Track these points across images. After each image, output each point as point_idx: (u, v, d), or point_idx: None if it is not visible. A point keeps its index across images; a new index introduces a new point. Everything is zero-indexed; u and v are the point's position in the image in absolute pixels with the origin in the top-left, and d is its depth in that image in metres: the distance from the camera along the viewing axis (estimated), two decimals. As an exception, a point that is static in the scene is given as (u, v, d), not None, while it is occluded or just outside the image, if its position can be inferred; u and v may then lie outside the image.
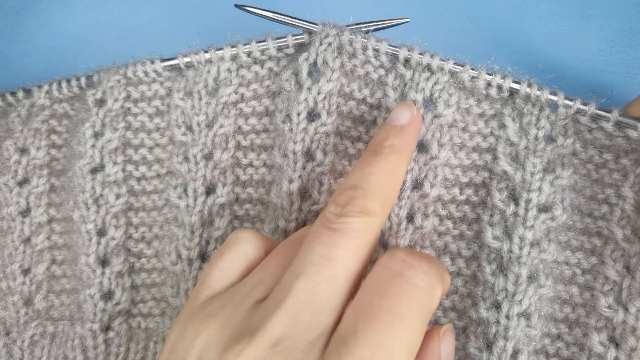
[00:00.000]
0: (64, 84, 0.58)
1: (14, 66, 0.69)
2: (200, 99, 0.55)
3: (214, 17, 0.67)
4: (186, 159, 0.55)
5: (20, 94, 0.59)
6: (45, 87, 0.58)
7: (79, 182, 0.56)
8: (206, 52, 0.54)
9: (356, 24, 0.52)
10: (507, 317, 0.51)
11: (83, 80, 0.57)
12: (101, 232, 0.57)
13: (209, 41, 0.55)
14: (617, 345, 0.49)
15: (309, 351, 0.35)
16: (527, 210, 0.51)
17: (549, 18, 0.65)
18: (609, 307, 0.49)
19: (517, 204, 0.51)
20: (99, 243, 0.56)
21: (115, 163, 0.56)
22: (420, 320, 0.36)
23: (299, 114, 0.52)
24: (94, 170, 0.56)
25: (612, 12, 0.63)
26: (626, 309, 0.49)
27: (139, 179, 0.58)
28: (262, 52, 0.54)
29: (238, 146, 0.56)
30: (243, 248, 0.44)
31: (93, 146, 0.56)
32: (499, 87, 0.51)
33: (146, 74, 0.56)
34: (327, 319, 0.36)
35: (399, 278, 0.37)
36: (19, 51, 0.70)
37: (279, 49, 0.54)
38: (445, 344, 0.42)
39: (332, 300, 0.37)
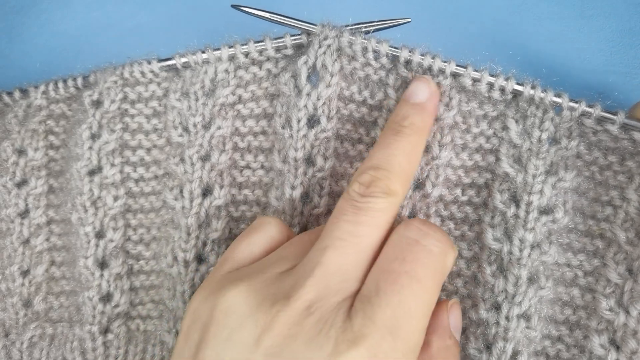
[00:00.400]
0: (60, 84, 0.57)
1: (14, 66, 0.68)
2: (196, 99, 0.54)
3: (214, 17, 0.66)
4: (182, 160, 0.54)
5: (17, 94, 0.58)
6: (42, 88, 0.57)
7: (76, 184, 0.55)
8: (203, 52, 0.53)
9: (356, 24, 0.51)
10: (507, 318, 0.50)
11: (80, 81, 0.56)
12: (99, 235, 0.56)
13: (208, 42, 0.54)
14: (617, 348, 0.49)
15: (337, 311, 0.38)
16: (527, 212, 0.50)
17: (549, 18, 0.64)
18: (610, 309, 0.49)
19: (518, 206, 0.50)
20: (97, 245, 0.56)
21: (112, 165, 0.55)
22: (436, 282, 0.40)
23: (299, 121, 0.51)
24: (91, 172, 0.55)
25: (612, 12, 0.63)
26: (627, 312, 0.48)
27: (137, 181, 0.57)
28: (260, 52, 0.53)
29: (235, 148, 0.56)
30: (269, 230, 0.47)
31: (90, 148, 0.55)
32: (502, 90, 0.50)
33: (143, 74, 0.55)
34: (353, 284, 0.40)
35: (415, 245, 0.40)
36: (19, 51, 0.69)
37: (277, 49, 0.53)
38: (453, 315, 0.46)
39: (357, 270, 0.40)
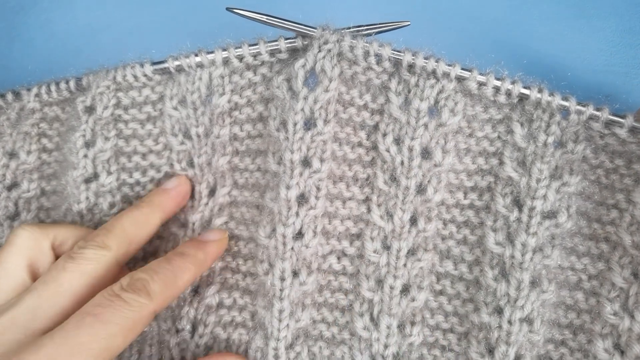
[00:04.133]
0: (53, 87, 0.52)
1: (14, 66, 0.64)
2: (195, 109, 0.49)
3: (214, 18, 0.61)
4: (191, 165, 0.51)
5: (10, 97, 0.53)
6: (35, 90, 0.52)
7: (72, 191, 0.51)
8: (197, 55, 0.48)
9: (355, 27, 0.47)
10: (510, 322, 0.47)
11: (72, 84, 0.51)
12: None
13: (208, 42, 0.49)
14: (622, 353, 0.46)
15: (18, 344, 0.40)
16: (530, 217, 0.47)
17: (549, 18, 0.60)
18: (615, 314, 0.46)
19: (520, 210, 0.47)
20: None
21: (109, 173, 0.51)
22: (124, 329, 0.41)
23: (295, 124, 0.47)
24: (87, 180, 0.51)
25: (612, 12, 0.59)
26: (632, 317, 0.45)
27: (132, 186, 0.52)
28: (255, 56, 0.48)
29: (235, 152, 0.52)
30: (20, 242, 0.47)
31: (85, 156, 0.50)
32: (508, 93, 0.46)
33: (136, 78, 0.50)
34: (43, 322, 0.41)
35: (114, 296, 0.41)
36: (19, 51, 0.65)
37: (272, 53, 0.48)
38: None
39: (51, 310, 0.42)
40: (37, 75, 0.55)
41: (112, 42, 0.62)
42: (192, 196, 0.51)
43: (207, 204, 0.51)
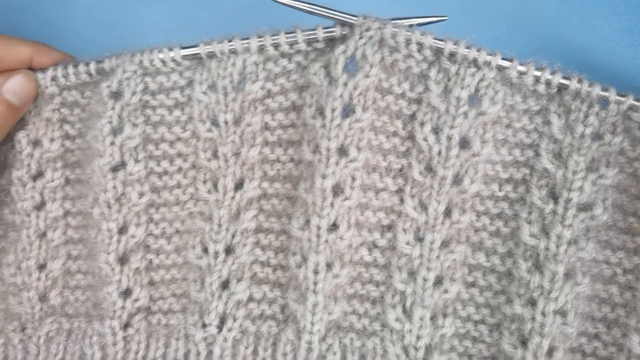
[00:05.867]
0: (71, 70, 0.49)
1: None
2: (225, 95, 0.47)
3: (214, 18, 0.60)
4: (215, 155, 0.48)
5: None
6: (50, 72, 0.49)
7: (98, 180, 0.48)
8: (230, 41, 0.46)
9: (392, 19, 0.45)
10: (543, 314, 0.46)
11: (93, 67, 0.48)
12: (122, 230, 0.50)
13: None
14: (658, 347, 0.45)
15: None
16: (566, 209, 0.46)
17: (549, 18, 0.59)
18: (652, 308, 0.45)
19: (556, 202, 0.46)
20: (119, 241, 0.50)
21: (137, 161, 0.49)
22: None
23: (333, 110, 0.45)
24: (114, 169, 0.48)
25: (612, 12, 0.58)
26: (669, 311, 0.45)
27: (160, 175, 0.50)
28: (291, 45, 0.46)
29: (265, 142, 0.50)
30: None
31: (112, 143, 0.48)
32: (548, 83, 0.45)
33: (164, 63, 0.47)
34: None
35: None
36: None
37: (308, 42, 0.46)
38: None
39: None
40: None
41: (112, 42, 0.59)
42: (217, 189, 0.49)
43: (233, 197, 0.49)
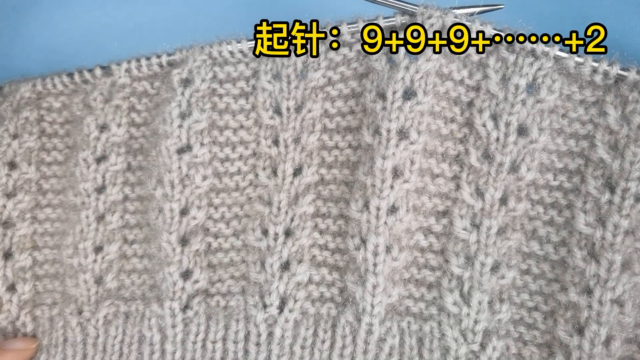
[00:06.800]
0: (143, 62, 0.52)
1: (15, 66, 0.62)
2: (289, 83, 0.49)
3: (214, 18, 0.61)
4: (275, 142, 0.50)
5: (98, 72, 0.53)
6: (125, 65, 0.53)
7: (164, 161, 0.51)
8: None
9: (452, 8, 0.47)
10: (600, 302, 0.46)
11: (164, 59, 0.52)
12: (184, 212, 0.51)
13: (209, 40, 0.50)
14: None
15: None
16: (623, 199, 0.46)
17: (549, 18, 0.59)
18: None
19: (613, 192, 0.46)
20: (180, 222, 0.51)
21: (202, 144, 0.51)
22: None
23: (394, 92, 0.46)
24: (180, 151, 0.50)
25: (612, 12, 0.58)
26: None
27: (223, 161, 0.52)
28: (352, 34, 0.49)
29: (324, 129, 0.51)
30: None
31: (180, 126, 0.50)
32: (605, 74, 0.46)
33: (232, 54, 0.50)
34: None
35: None
36: (20, 51, 0.64)
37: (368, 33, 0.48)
38: None
39: None
40: (37, 75, 0.55)
41: (112, 42, 0.60)
42: (276, 175, 0.51)
43: (292, 182, 0.51)
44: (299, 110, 0.50)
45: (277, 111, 0.50)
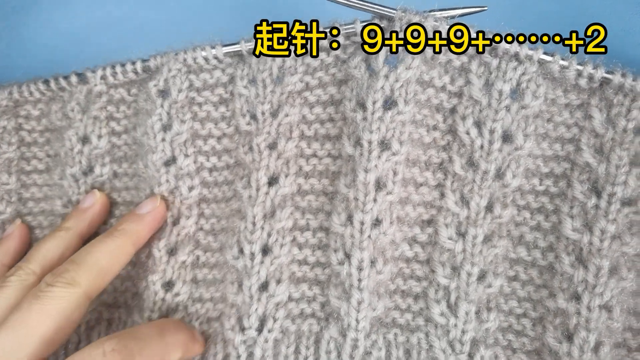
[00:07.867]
0: (118, 69, 0.50)
1: (15, 66, 0.62)
2: (264, 87, 0.47)
3: (214, 17, 0.60)
4: (250, 148, 0.48)
5: (74, 79, 0.51)
6: (100, 72, 0.51)
7: (153, 174, 0.50)
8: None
9: (431, 10, 0.45)
10: (589, 308, 0.45)
11: (139, 66, 0.50)
12: (175, 222, 0.50)
13: (209, 40, 0.49)
14: None
15: None
16: (609, 203, 0.45)
17: (549, 18, 0.58)
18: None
19: (599, 196, 0.45)
20: (171, 232, 0.50)
21: (186, 155, 0.49)
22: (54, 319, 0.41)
23: (374, 102, 0.45)
24: (167, 163, 0.49)
25: (612, 12, 0.57)
26: None
27: (210, 170, 0.51)
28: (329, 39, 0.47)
29: (302, 136, 0.49)
30: None
31: (163, 140, 0.49)
32: (590, 77, 0.45)
33: (207, 60, 0.48)
34: None
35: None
36: (20, 51, 0.63)
37: (347, 36, 0.46)
38: None
39: (21, 353, 0.40)
40: (37, 76, 0.54)
41: (112, 42, 0.59)
42: (250, 186, 0.48)
43: (267, 193, 0.48)
44: (275, 114, 0.48)
45: (254, 117, 0.48)
